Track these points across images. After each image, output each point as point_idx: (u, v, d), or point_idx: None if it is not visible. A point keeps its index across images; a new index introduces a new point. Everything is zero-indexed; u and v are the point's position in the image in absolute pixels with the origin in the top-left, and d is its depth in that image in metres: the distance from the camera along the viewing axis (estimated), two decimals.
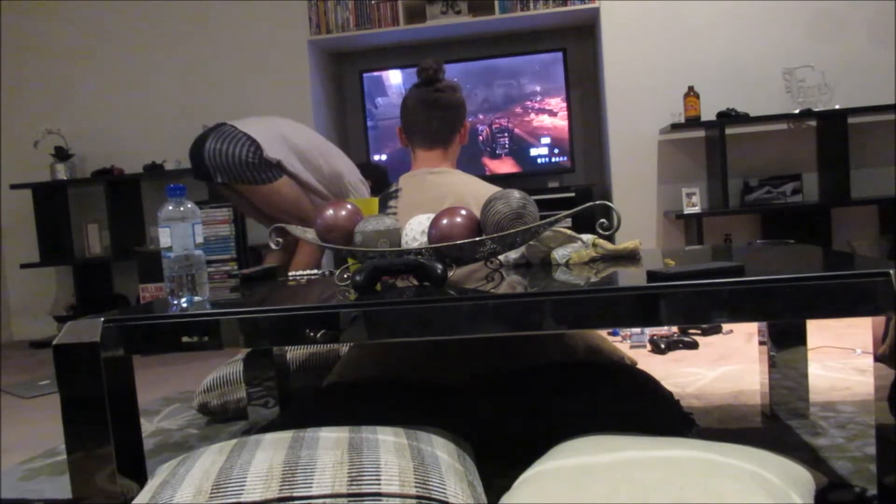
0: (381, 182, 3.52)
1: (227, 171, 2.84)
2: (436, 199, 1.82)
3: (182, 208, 1.33)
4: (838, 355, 2.33)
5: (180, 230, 1.33)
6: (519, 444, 1.44)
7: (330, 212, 1.48)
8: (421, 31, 4.07)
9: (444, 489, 1.04)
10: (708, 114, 3.77)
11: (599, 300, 1.10)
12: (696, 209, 3.74)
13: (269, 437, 1.17)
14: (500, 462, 1.38)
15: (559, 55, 4.10)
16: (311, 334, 1.16)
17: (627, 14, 3.90)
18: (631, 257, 1.53)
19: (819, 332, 2.69)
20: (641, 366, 1.83)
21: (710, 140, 3.83)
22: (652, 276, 1.15)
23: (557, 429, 1.28)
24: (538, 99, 4.14)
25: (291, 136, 2.94)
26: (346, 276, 1.48)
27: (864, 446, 1.49)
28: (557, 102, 4.11)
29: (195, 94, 4.34)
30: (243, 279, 1.77)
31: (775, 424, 1.68)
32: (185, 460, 1.14)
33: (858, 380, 2.03)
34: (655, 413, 1.50)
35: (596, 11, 3.92)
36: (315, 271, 1.86)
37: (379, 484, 1.01)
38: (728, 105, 3.80)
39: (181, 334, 1.20)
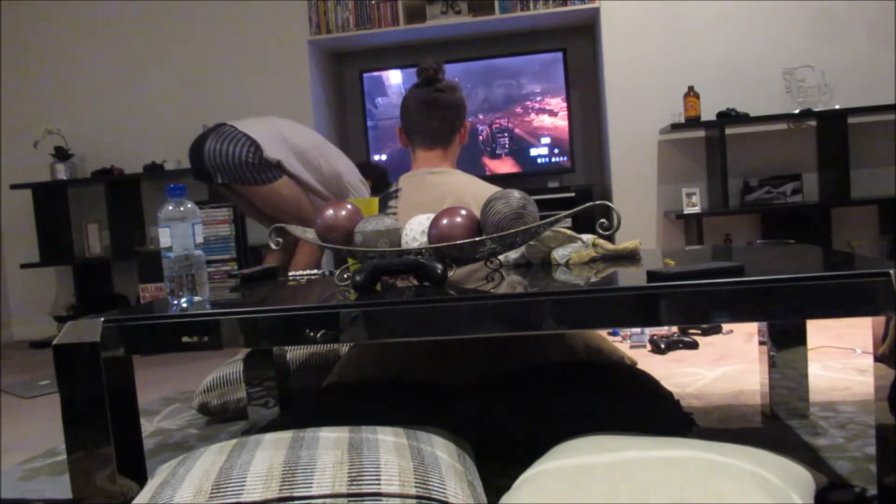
0: (381, 182, 3.52)
1: (226, 172, 2.84)
2: (436, 199, 1.82)
3: (182, 208, 1.33)
4: (838, 355, 2.33)
5: (180, 230, 1.33)
6: (519, 444, 1.44)
7: (330, 212, 1.48)
8: (421, 31, 4.07)
9: (444, 489, 1.04)
10: (708, 114, 3.77)
11: (599, 300, 1.10)
12: (696, 209, 3.74)
13: (269, 437, 1.17)
14: (500, 462, 1.38)
15: (559, 55, 4.10)
16: (311, 334, 1.16)
17: (627, 14, 3.90)
18: (631, 257, 1.53)
19: (819, 332, 2.69)
20: (641, 366, 1.83)
21: (710, 140, 3.83)
22: (652, 276, 1.15)
23: (557, 429, 1.28)
24: (538, 99, 4.14)
25: (291, 137, 2.94)
26: (346, 276, 1.48)
27: (864, 446, 1.49)
28: (557, 102, 4.11)
29: (195, 94, 4.34)
30: (243, 279, 1.77)
31: (775, 424, 1.68)
32: (185, 460, 1.14)
33: (858, 380, 2.03)
34: (655, 413, 1.50)
35: (596, 11, 3.92)
36: (315, 271, 1.86)
37: (379, 484, 1.01)
38: (728, 105, 3.80)
39: (181, 334, 1.20)
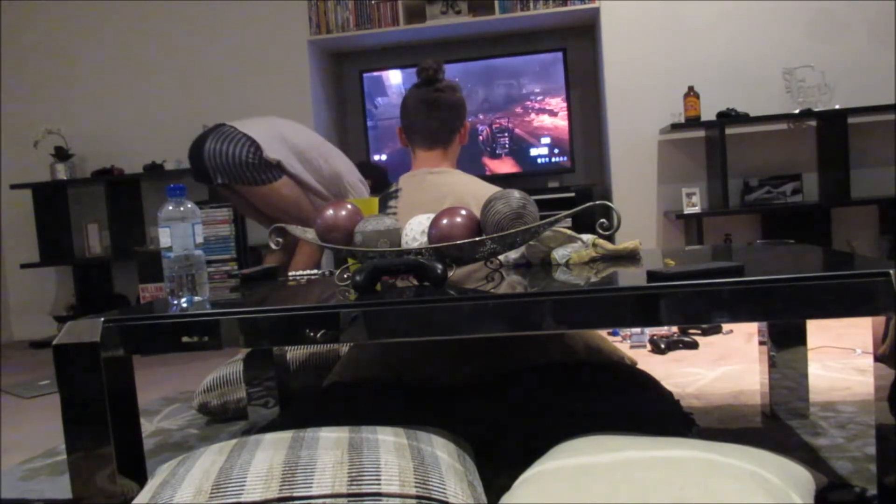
0: (381, 181, 3.52)
1: (226, 172, 2.83)
2: (436, 199, 1.82)
3: (182, 208, 1.33)
4: (838, 355, 2.33)
5: (180, 230, 1.33)
6: (519, 444, 1.44)
7: (330, 212, 1.48)
8: (421, 31, 4.07)
9: (444, 489, 1.04)
10: (708, 114, 3.77)
11: (599, 300, 1.10)
12: (696, 209, 3.74)
13: (269, 437, 1.17)
14: (500, 462, 1.38)
15: (559, 55, 4.10)
16: (311, 334, 1.16)
17: (627, 14, 3.90)
18: (631, 257, 1.53)
19: (819, 332, 2.69)
20: (641, 366, 1.83)
21: (710, 140, 3.83)
22: (652, 276, 1.15)
23: (557, 429, 1.28)
24: (538, 99, 4.14)
25: (291, 137, 2.94)
26: (346, 276, 1.48)
27: (864, 446, 1.49)
28: (557, 102, 4.11)
29: (195, 94, 4.34)
30: (243, 279, 1.77)
31: (775, 424, 1.68)
32: (185, 460, 1.14)
33: (858, 380, 2.03)
34: (655, 413, 1.50)
35: (596, 11, 3.92)
36: (315, 271, 1.86)
37: (379, 484, 1.01)
38: (728, 105, 3.80)
39: (181, 334, 1.20)
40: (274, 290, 1.50)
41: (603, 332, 2.46)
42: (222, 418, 2.09)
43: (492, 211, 1.38)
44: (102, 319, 1.20)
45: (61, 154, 4.27)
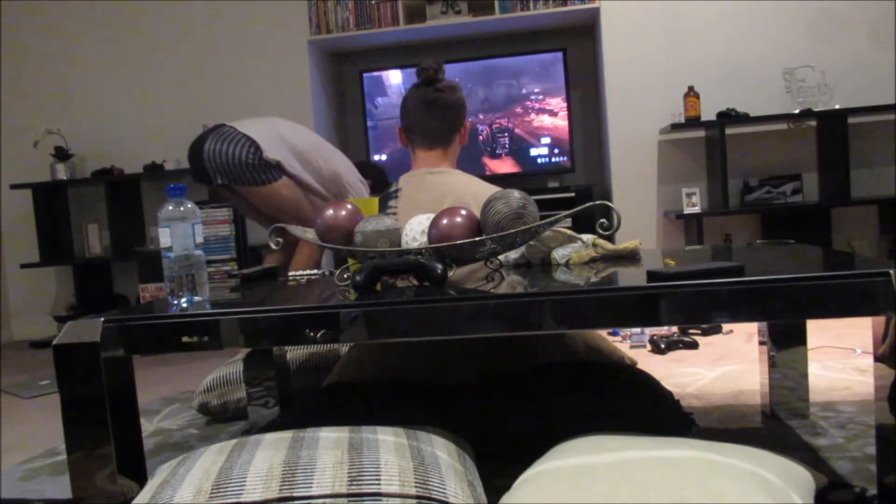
0: (380, 181, 3.52)
1: (226, 173, 2.83)
2: (436, 199, 1.82)
3: (182, 208, 1.33)
4: (838, 355, 2.33)
5: (180, 230, 1.33)
6: (519, 444, 1.44)
7: (330, 212, 1.48)
8: (421, 31, 4.06)
9: (444, 489, 1.04)
10: (708, 114, 3.77)
11: (599, 300, 1.10)
12: (696, 209, 3.74)
13: (269, 437, 1.17)
14: (500, 462, 1.38)
15: (559, 55, 4.10)
16: (311, 334, 1.16)
17: (627, 14, 3.90)
18: (631, 257, 1.53)
19: (819, 332, 2.69)
20: (641, 366, 1.83)
21: (710, 140, 3.83)
22: (652, 276, 1.15)
23: (557, 429, 1.28)
24: (538, 99, 4.14)
25: (290, 137, 2.94)
26: (346, 276, 1.48)
27: (864, 446, 1.49)
28: (557, 102, 4.11)
29: (195, 94, 4.34)
30: (243, 279, 1.77)
31: (775, 424, 1.68)
32: (185, 460, 1.14)
33: (858, 380, 2.03)
34: (655, 413, 1.50)
35: (596, 11, 3.92)
36: (315, 271, 1.86)
37: (379, 484, 1.01)
38: (728, 105, 3.80)
39: (181, 334, 1.20)
40: (274, 290, 1.50)
41: (603, 332, 2.46)
42: (222, 418, 2.09)
43: (492, 211, 1.38)
44: (102, 319, 1.20)
45: (61, 154, 4.27)
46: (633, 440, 1.08)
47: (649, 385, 1.61)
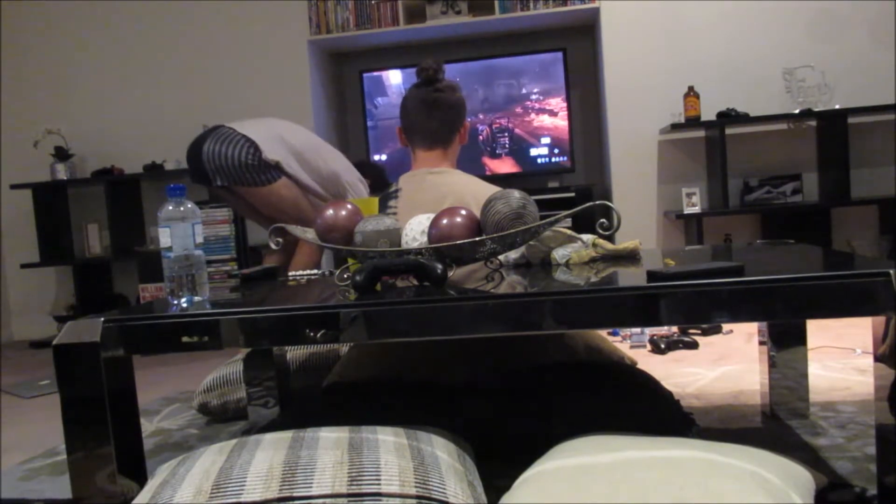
0: (379, 180, 3.52)
1: (226, 174, 2.83)
2: (436, 199, 1.82)
3: (182, 208, 1.33)
4: (838, 355, 2.33)
5: (180, 230, 1.33)
6: (519, 444, 1.44)
7: (330, 212, 1.48)
8: (421, 31, 4.06)
9: (444, 489, 1.04)
10: (708, 114, 3.77)
11: (599, 300, 1.10)
12: (696, 209, 3.74)
13: (269, 437, 1.17)
14: (500, 462, 1.38)
15: (559, 55, 4.10)
16: (311, 334, 1.16)
17: (627, 14, 3.90)
18: (631, 257, 1.53)
19: (819, 332, 2.69)
20: (641, 366, 1.83)
21: (710, 140, 3.83)
22: (652, 276, 1.15)
23: (557, 429, 1.28)
24: (538, 99, 4.14)
25: (289, 137, 2.94)
26: (346, 276, 1.48)
27: (864, 446, 1.49)
28: (557, 102, 4.11)
29: (195, 94, 4.34)
30: (243, 279, 1.77)
31: (775, 424, 1.68)
32: (185, 460, 1.14)
33: (858, 380, 2.03)
34: (655, 413, 1.50)
35: (596, 11, 3.92)
36: (315, 271, 1.86)
37: (379, 484, 1.01)
38: (728, 105, 3.80)
39: (181, 334, 1.20)
40: (274, 290, 1.50)
41: (603, 332, 2.46)
42: (222, 418, 2.09)
43: (492, 211, 1.38)
44: (102, 319, 1.20)
45: (61, 154, 4.27)
46: (633, 440, 1.08)
47: (649, 385, 1.61)
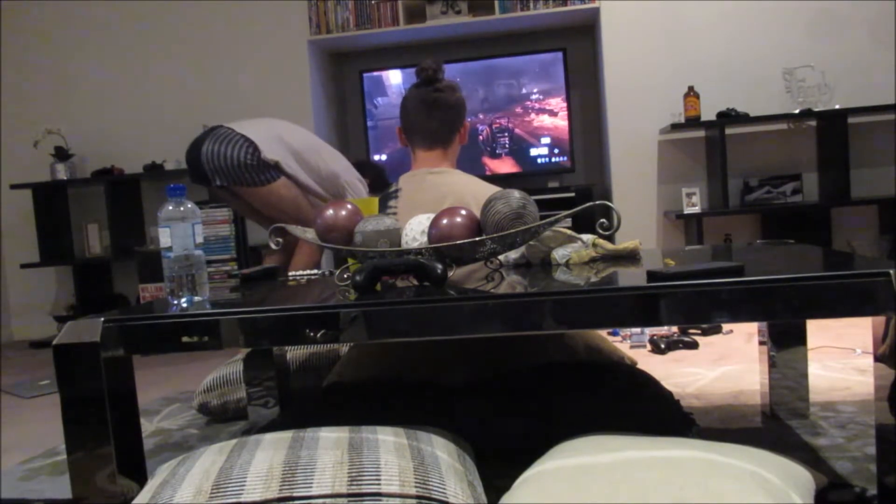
0: (379, 180, 3.52)
1: (225, 174, 2.83)
2: (436, 199, 1.82)
3: (182, 208, 1.33)
4: (838, 355, 2.33)
5: (180, 230, 1.33)
6: (519, 444, 1.44)
7: (330, 212, 1.48)
8: (421, 31, 4.07)
9: (444, 489, 1.04)
10: (708, 114, 3.77)
11: (599, 300, 1.10)
12: (696, 209, 3.74)
13: (269, 437, 1.17)
14: (500, 462, 1.38)
15: (559, 55, 4.10)
16: (311, 334, 1.16)
17: (627, 14, 3.90)
18: (631, 257, 1.53)
19: (819, 332, 2.69)
20: (641, 366, 1.83)
21: (710, 140, 3.83)
22: (652, 276, 1.15)
23: (557, 429, 1.28)
24: (538, 99, 4.14)
25: (288, 137, 2.94)
26: (346, 276, 1.48)
27: (864, 446, 1.49)
28: (557, 102, 4.11)
29: (195, 94, 4.34)
30: (243, 279, 1.77)
31: (775, 424, 1.68)
32: (185, 460, 1.14)
33: (858, 380, 2.03)
34: (655, 413, 1.50)
35: (596, 11, 3.92)
36: (315, 271, 1.86)
37: (379, 484, 1.01)
38: (728, 105, 3.80)
39: (181, 334, 1.20)
40: (274, 290, 1.50)
41: (603, 332, 2.46)
42: (222, 418, 2.09)
43: (492, 211, 1.38)
44: (102, 319, 1.20)
45: (61, 154, 4.27)
46: (633, 440, 1.08)
47: (649, 385, 1.61)
